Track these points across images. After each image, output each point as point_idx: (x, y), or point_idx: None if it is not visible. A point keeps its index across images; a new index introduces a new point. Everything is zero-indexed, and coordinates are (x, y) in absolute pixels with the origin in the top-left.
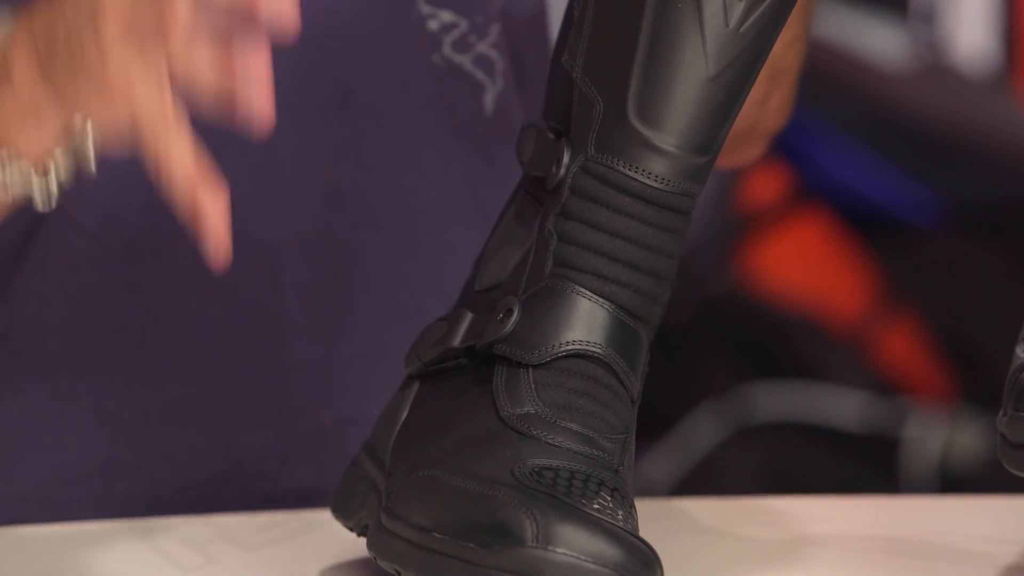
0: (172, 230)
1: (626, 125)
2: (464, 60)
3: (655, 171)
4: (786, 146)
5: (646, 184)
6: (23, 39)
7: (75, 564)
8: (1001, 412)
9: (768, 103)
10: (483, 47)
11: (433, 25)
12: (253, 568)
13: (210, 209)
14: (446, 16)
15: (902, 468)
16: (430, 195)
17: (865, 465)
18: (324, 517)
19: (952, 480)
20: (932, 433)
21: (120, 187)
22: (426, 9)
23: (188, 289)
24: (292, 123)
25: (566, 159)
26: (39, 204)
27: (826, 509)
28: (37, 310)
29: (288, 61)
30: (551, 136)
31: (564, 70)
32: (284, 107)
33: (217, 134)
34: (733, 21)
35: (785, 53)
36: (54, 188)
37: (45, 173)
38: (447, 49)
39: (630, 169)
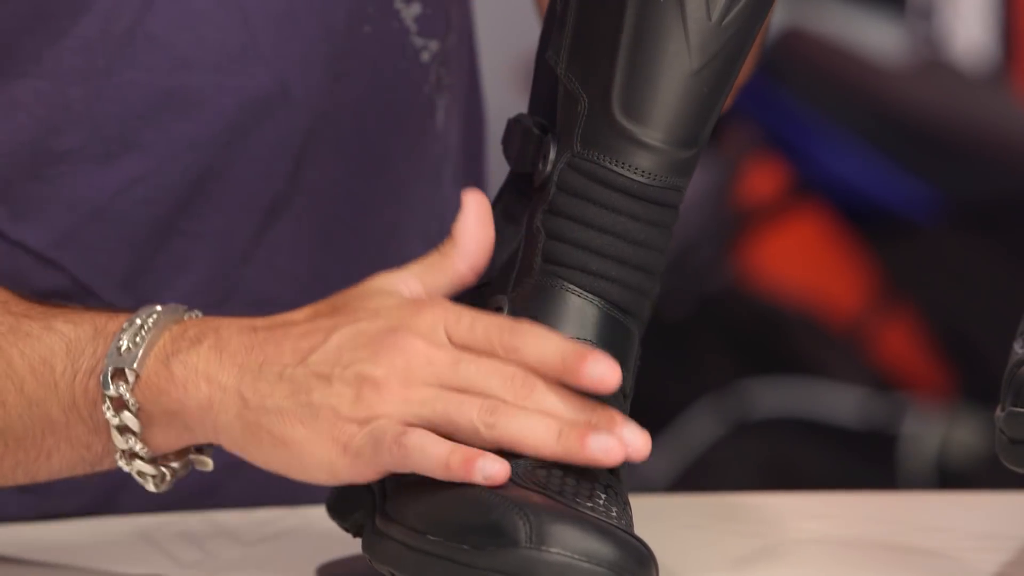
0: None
1: (611, 121)
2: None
3: (641, 166)
4: (784, 142)
5: (633, 179)
6: (229, 394)
7: (73, 560)
8: (999, 408)
9: None
10: (440, 67)
11: (425, 57)
12: (250, 563)
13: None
14: (434, 46)
15: (900, 464)
16: (418, 229)
17: (863, 461)
18: (321, 513)
19: (950, 476)
20: (930, 429)
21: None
22: (419, 41)
23: None
24: (284, 166)
25: (552, 155)
26: (148, 486)
27: (824, 505)
28: None
29: (293, 110)
30: (537, 132)
31: (548, 66)
32: (277, 149)
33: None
34: (716, 14)
35: None
36: (151, 484)
37: (155, 464)
38: (433, 77)
39: (616, 165)
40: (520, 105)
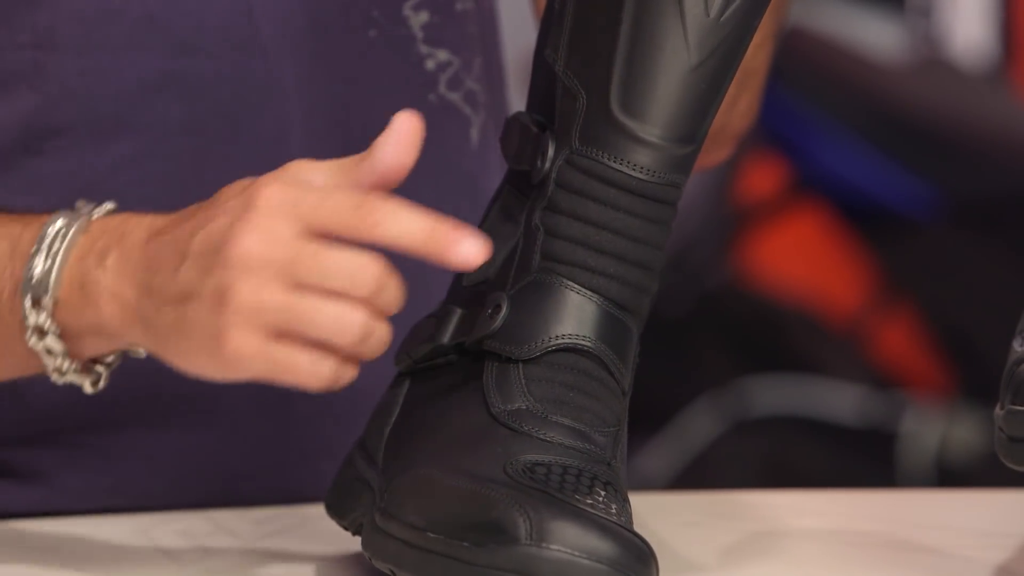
0: None
1: (610, 117)
2: (456, 97)
3: (640, 162)
4: (783, 140)
5: (631, 176)
6: (119, 266)
7: (73, 558)
8: (998, 406)
9: (736, 105)
10: (470, 82)
11: (430, 65)
12: (250, 562)
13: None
14: (442, 55)
15: (899, 462)
16: None
17: (862, 459)
18: (321, 511)
19: (949, 474)
20: (929, 427)
21: None
22: (424, 49)
23: None
24: (279, 159)
25: (551, 152)
26: (62, 381)
27: (823, 503)
28: None
29: (289, 105)
30: (535, 129)
31: (547, 63)
32: (272, 143)
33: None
34: (714, 10)
35: (755, 55)
36: (88, 386)
37: (87, 371)
38: (442, 88)
39: (615, 161)
40: (519, 103)
